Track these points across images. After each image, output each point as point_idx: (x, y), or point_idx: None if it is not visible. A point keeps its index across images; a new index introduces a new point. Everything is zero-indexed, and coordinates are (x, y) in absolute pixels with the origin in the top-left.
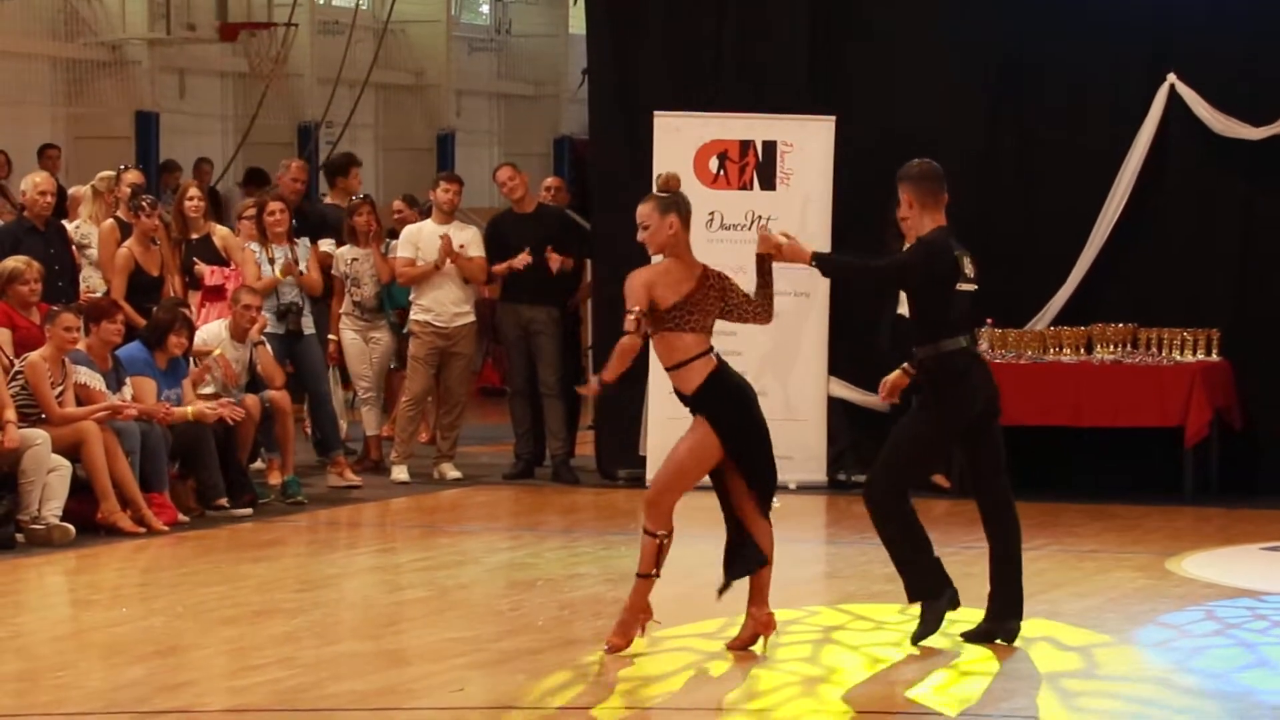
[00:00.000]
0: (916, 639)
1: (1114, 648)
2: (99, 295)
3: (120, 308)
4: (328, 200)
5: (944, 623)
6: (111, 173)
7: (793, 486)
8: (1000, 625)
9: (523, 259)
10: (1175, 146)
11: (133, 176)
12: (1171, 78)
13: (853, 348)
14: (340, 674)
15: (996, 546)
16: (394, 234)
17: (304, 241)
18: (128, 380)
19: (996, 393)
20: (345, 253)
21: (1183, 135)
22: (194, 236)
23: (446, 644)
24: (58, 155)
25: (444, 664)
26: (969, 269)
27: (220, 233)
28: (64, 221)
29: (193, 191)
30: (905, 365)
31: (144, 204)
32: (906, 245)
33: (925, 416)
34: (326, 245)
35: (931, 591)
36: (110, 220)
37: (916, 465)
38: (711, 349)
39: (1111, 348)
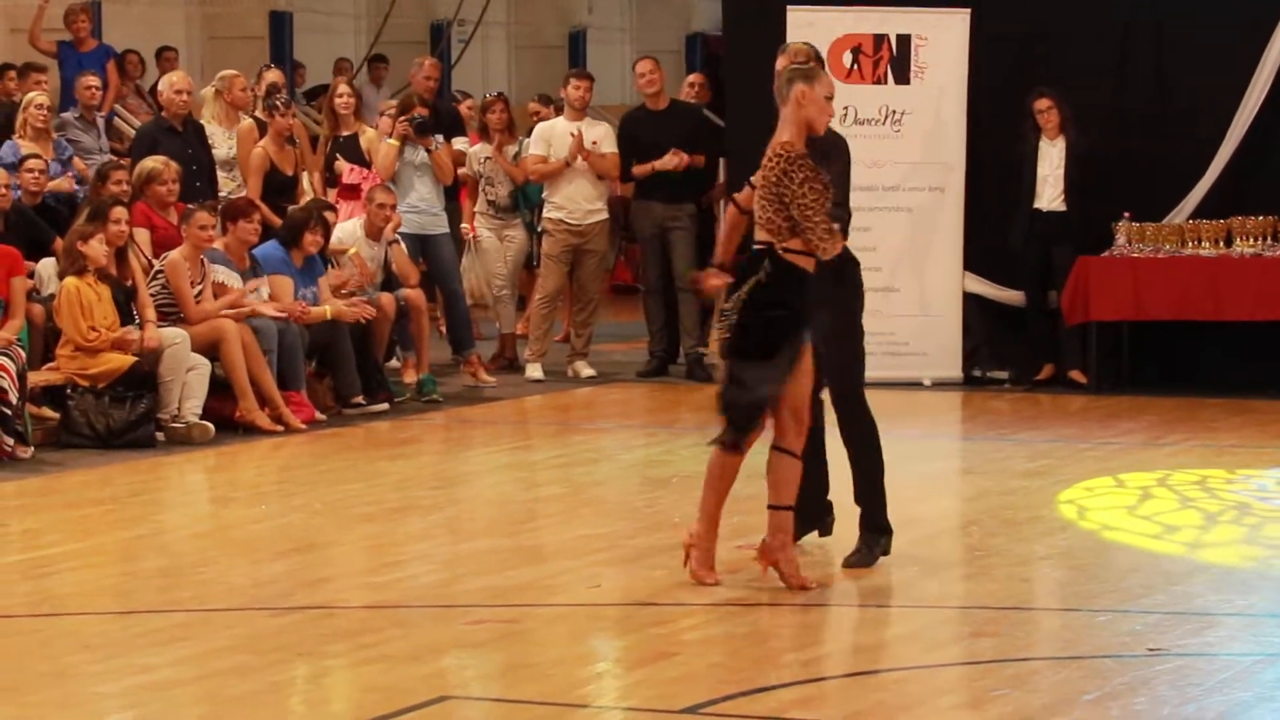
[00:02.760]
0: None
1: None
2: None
3: (257, 207)
4: None
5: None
6: (231, 72)
7: (928, 383)
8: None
9: (667, 160)
10: None
11: (272, 76)
12: None
13: (987, 243)
14: (477, 570)
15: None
16: (529, 134)
17: (438, 139)
18: (265, 278)
19: None
20: (478, 151)
21: None
22: (343, 134)
23: (582, 541)
24: (175, 57)
25: (580, 560)
26: None
27: (369, 134)
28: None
29: (343, 89)
30: None
31: (278, 103)
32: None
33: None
34: (460, 144)
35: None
36: (249, 120)
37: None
38: None
39: (1251, 240)
